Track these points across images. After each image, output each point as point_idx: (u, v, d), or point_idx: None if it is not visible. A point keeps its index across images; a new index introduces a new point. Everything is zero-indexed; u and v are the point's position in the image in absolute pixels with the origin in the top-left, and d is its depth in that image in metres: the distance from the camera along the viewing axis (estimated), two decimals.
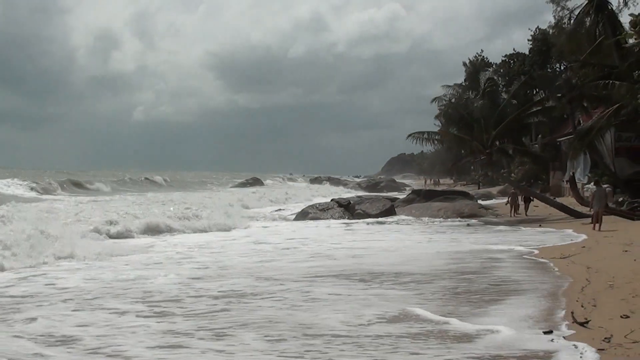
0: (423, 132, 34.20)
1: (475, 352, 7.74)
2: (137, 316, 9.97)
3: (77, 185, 60.12)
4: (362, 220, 30.80)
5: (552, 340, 8.13)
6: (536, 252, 17.68)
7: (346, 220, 30.86)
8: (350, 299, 11.22)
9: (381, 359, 7.64)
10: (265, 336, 8.68)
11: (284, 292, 11.92)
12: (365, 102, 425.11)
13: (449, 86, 37.55)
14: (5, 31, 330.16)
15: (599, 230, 23.20)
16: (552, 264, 14.97)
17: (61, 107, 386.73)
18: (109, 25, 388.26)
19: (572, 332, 8.46)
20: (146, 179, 76.00)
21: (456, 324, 9.19)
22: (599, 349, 7.57)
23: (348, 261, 16.46)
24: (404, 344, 8.24)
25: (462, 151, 37.97)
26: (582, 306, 9.94)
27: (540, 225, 26.99)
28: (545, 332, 8.48)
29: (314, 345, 8.21)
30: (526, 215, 33.69)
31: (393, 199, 38.95)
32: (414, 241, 21.87)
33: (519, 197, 35.36)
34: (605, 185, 29.54)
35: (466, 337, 8.48)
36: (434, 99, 36.07)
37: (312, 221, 30.89)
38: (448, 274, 14.09)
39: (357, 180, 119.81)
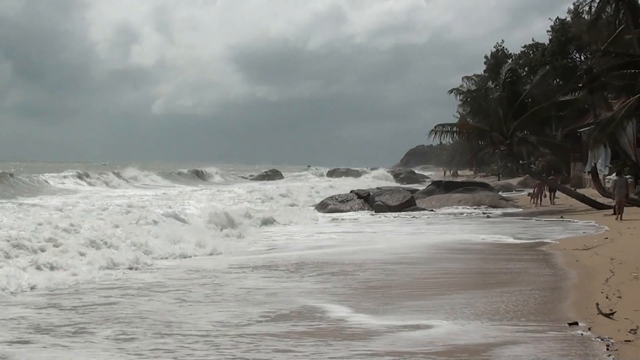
0: (444, 125, 34.04)
1: (359, 350, 7.58)
2: None
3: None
4: (382, 212, 30.69)
5: (580, 333, 8.01)
6: (558, 243, 17.54)
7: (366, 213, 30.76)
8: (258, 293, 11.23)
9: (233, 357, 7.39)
10: (121, 334, 8.42)
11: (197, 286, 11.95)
12: (384, 93, 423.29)
13: (469, 77, 37.20)
14: (27, 26, 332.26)
15: (621, 219, 23.06)
16: (574, 256, 14.83)
17: (81, 100, 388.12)
18: (128, 19, 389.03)
19: (591, 324, 8.36)
20: (194, 171, 76.08)
21: (365, 320, 9.09)
22: (625, 341, 7.46)
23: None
24: (269, 342, 7.99)
25: (482, 142, 37.59)
26: (607, 297, 9.82)
27: (561, 217, 26.77)
28: (570, 324, 8.38)
29: (165, 344, 7.93)
30: (552, 204, 34.05)
31: (413, 190, 38.81)
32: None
33: (545, 187, 35.50)
34: (627, 177, 29.37)
35: (364, 335, 8.32)
36: (452, 90, 35.82)
37: (331, 214, 30.72)
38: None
39: (376, 171, 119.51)
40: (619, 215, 23.72)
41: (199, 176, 72.98)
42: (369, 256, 15.73)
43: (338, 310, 9.69)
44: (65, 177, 50.60)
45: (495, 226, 23.97)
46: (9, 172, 44.13)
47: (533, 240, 18.73)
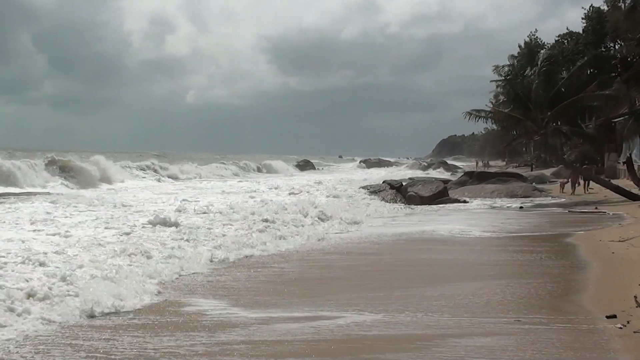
0: (480, 110, 33.85)
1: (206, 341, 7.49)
2: None
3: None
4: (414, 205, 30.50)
5: (619, 327, 7.86)
6: (593, 235, 17.33)
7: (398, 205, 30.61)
8: None
9: None
10: None
11: None
12: (417, 83, 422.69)
13: (515, 56, 36.98)
14: (62, 17, 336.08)
15: None
16: (610, 247, 14.62)
17: (115, 91, 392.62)
18: (162, 9, 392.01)
19: (630, 317, 8.22)
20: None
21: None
22: None
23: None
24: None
25: (515, 132, 37.35)
26: None
27: (596, 208, 26.45)
28: (608, 317, 8.26)
29: None
30: (585, 192, 34.08)
31: (446, 181, 38.61)
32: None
33: (579, 176, 35.57)
34: None
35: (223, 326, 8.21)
36: (495, 67, 35.52)
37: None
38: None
39: (408, 161, 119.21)
40: None
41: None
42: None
43: (210, 304, 9.49)
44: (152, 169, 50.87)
45: (525, 217, 23.75)
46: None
47: (565, 229, 18.55)
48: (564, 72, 37.49)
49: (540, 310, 8.96)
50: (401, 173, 62.61)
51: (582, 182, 35.60)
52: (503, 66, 36.07)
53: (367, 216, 23.37)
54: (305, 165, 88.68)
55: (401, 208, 28.21)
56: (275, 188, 37.30)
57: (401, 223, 21.86)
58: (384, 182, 34.63)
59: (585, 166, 39.69)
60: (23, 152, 58.15)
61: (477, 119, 34.01)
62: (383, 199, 31.20)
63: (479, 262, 13.62)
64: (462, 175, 43.11)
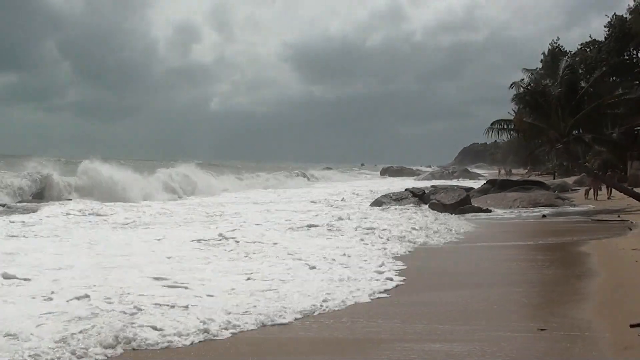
0: (502, 122, 33.80)
1: None
2: None
3: None
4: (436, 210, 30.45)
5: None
6: (616, 242, 17.27)
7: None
8: None
9: None
10: None
11: None
12: (441, 91, 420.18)
13: (528, 70, 36.91)
14: (88, 25, 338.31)
15: None
16: (633, 256, 14.55)
17: (140, 98, 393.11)
18: (188, 17, 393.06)
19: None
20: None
21: None
22: None
23: None
24: None
25: (538, 140, 37.24)
26: None
27: (619, 216, 26.29)
28: (632, 326, 8.18)
29: None
30: (608, 198, 34.16)
31: (468, 189, 38.55)
32: None
33: (601, 183, 35.86)
34: None
35: None
36: (513, 84, 35.53)
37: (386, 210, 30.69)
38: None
39: (430, 170, 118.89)
40: None
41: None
42: None
43: None
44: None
45: (548, 225, 23.70)
46: None
47: (588, 239, 18.49)
48: (587, 79, 37.23)
49: (563, 319, 8.96)
50: (421, 183, 62.54)
51: (605, 189, 35.76)
52: (522, 80, 35.93)
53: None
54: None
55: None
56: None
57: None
58: (406, 189, 34.70)
59: (608, 173, 39.50)
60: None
61: (499, 133, 34.07)
62: (405, 206, 31.25)
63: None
64: (484, 184, 43.01)
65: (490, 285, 11.78)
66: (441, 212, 29.05)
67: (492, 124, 33.90)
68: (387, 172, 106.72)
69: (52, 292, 10.26)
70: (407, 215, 26.68)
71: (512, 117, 34.19)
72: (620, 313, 9.02)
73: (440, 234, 20.15)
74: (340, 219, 23.61)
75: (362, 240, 17.96)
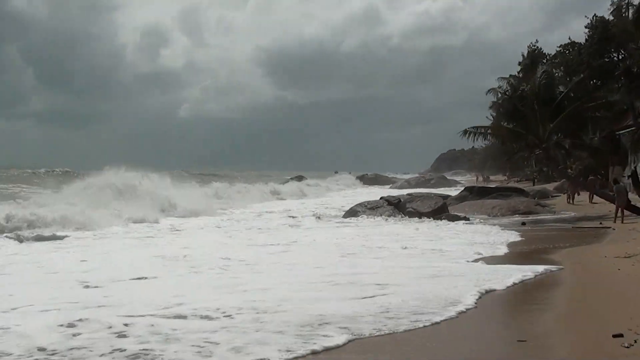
0: (478, 127, 34.00)
1: None
2: None
3: None
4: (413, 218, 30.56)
5: (626, 346, 7.85)
6: (598, 250, 17.36)
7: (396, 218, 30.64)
8: None
9: None
10: None
11: None
12: (417, 96, 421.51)
13: (504, 78, 37.15)
14: (53, 28, 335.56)
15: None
16: (615, 264, 14.64)
17: (107, 105, 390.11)
18: (157, 21, 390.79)
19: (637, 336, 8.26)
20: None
21: None
22: None
23: None
24: None
25: (516, 146, 37.49)
26: None
27: (600, 223, 26.50)
28: (614, 336, 8.23)
29: None
30: (590, 202, 34.94)
31: (445, 197, 38.67)
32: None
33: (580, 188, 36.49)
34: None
35: None
36: (489, 90, 35.77)
37: (360, 220, 30.74)
38: None
39: (406, 177, 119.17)
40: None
41: None
42: None
43: None
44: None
45: (527, 233, 23.78)
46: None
47: (568, 246, 18.59)
48: (567, 83, 37.51)
49: (546, 330, 8.99)
50: (397, 191, 62.71)
51: (586, 195, 36.32)
52: (498, 87, 36.18)
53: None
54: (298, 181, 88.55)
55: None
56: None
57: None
58: (381, 198, 34.66)
59: (590, 178, 39.91)
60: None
61: (476, 137, 34.20)
62: (381, 215, 31.35)
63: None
64: (462, 191, 43.22)
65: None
66: (418, 221, 29.32)
67: (468, 128, 34.06)
68: (361, 180, 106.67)
69: None
70: (390, 228, 26.87)
71: (490, 122, 34.44)
72: (601, 323, 9.07)
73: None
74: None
75: None
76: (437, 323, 9.52)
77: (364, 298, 11.37)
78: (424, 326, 9.34)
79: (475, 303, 10.82)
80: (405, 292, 11.77)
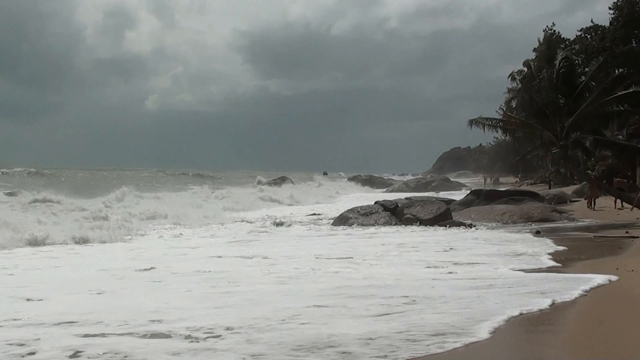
0: (487, 119, 33.90)
1: None
2: None
3: None
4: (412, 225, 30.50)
5: None
6: (625, 264, 17.25)
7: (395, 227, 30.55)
8: None
9: None
10: None
11: None
12: (418, 87, 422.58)
13: (532, 60, 37.23)
14: None
15: None
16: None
17: (63, 95, 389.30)
18: (123, 0, 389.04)
19: None
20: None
21: None
22: None
23: None
24: None
25: (530, 143, 37.51)
26: None
27: (627, 232, 26.41)
28: None
29: None
30: (615, 207, 34.95)
31: (448, 201, 38.58)
32: None
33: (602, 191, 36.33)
34: None
35: None
36: (510, 75, 35.73)
37: (350, 228, 30.63)
38: None
39: (405, 179, 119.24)
40: None
41: None
42: None
43: None
44: None
45: (542, 244, 23.65)
46: None
47: (591, 260, 18.48)
48: (588, 72, 37.47)
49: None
50: (393, 195, 62.63)
51: (612, 201, 36.27)
52: (519, 71, 36.02)
53: None
54: (281, 183, 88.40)
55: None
56: None
57: None
58: (376, 203, 34.56)
59: (617, 179, 39.96)
60: None
61: (485, 128, 34.04)
62: (376, 222, 31.27)
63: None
64: (467, 195, 43.08)
65: None
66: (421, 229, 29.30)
67: (478, 117, 33.95)
68: (354, 182, 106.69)
69: None
70: (392, 237, 26.81)
71: (501, 116, 34.40)
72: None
73: None
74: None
75: None
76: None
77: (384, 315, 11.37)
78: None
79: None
80: (438, 307, 11.84)
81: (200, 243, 24.98)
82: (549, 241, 23.66)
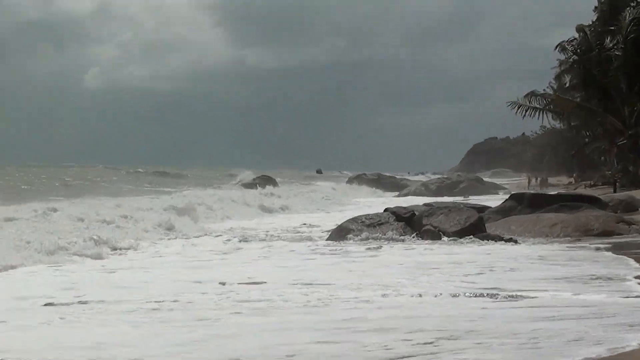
0: (536, 95, 33.57)
1: None
2: None
3: None
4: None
5: None
6: None
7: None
8: None
9: None
10: None
11: None
12: (441, 59, 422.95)
13: (587, 25, 36.94)
14: None
15: None
16: None
17: None
18: None
19: None
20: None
21: None
22: None
23: None
24: None
25: (589, 132, 37.24)
26: None
27: None
28: None
29: None
30: None
31: (481, 209, 38.35)
32: None
33: None
34: None
35: None
36: (558, 46, 35.45)
37: (353, 242, 30.30)
38: None
39: (423, 179, 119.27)
40: None
41: None
42: None
43: None
44: None
45: (611, 265, 23.35)
46: None
47: None
48: None
49: None
50: (408, 199, 62.51)
51: None
52: (571, 40, 35.68)
53: None
54: (263, 184, 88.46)
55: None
56: None
57: None
58: (386, 210, 34.33)
59: None
60: None
61: (529, 113, 33.76)
62: (385, 236, 30.97)
63: None
64: (506, 200, 42.82)
65: None
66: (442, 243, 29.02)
67: (521, 98, 33.64)
68: (357, 182, 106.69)
69: None
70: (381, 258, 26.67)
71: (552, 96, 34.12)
72: None
73: None
74: None
75: None
76: None
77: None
78: None
79: None
80: (489, 345, 11.69)
81: (148, 264, 24.99)
82: (631, 261, 23.21)
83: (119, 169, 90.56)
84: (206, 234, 36.23)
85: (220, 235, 34.82)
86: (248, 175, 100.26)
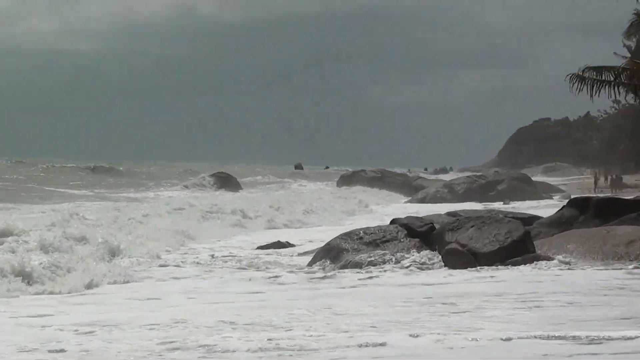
0: (602, 68, 33.57)
1: None
2: None
3: None
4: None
5: None
6: None
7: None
8: None
9: None
10: None
11: None
12: (473, 9, 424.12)
13: None
14: None
15: None
16: None
17: None
18: None
19: None
20: None
21: None
22: None
23: None
24: None
25: None
26: None
27: None
28: None
29: None
30: None
31: (527, 219, 38.25)
32: None
33: None
34: None
35: None
36: None
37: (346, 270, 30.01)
38: None
39: (446, 178, 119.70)
40: None
41: None
42: None
43: None
44: None
45: None
46: None
47: None
48: None
49: None
50: (425, 207, 62.82)
51: None
52: None
53: None
54: (222, 185, 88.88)
55: None
56: None
57: None
58: (393, 221, 34.22)
59: None
60: None
61: (595, 88, 33.78)
62: (394, 258, 30.77)
63: None
64: (563, 207, 42.73)
65: None
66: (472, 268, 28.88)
67: (582, 69, 33.61)
68: (351, 181, 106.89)
69: None
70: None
71: (622, 62, 34.14)
72: None
73: None
74: None
75: None
76: None
77: None
78: None
79: None
80: None
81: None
82: None
83: (25, 162, 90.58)
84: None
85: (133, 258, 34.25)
86: (201, 170, 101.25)
